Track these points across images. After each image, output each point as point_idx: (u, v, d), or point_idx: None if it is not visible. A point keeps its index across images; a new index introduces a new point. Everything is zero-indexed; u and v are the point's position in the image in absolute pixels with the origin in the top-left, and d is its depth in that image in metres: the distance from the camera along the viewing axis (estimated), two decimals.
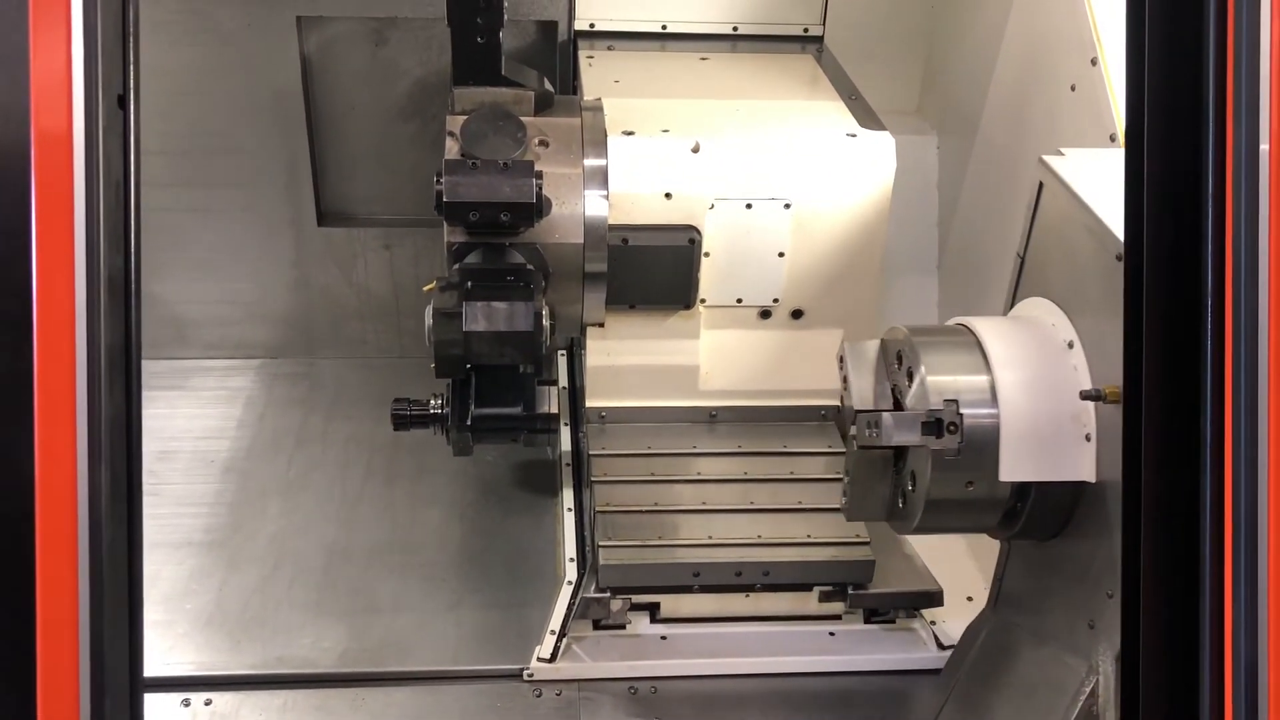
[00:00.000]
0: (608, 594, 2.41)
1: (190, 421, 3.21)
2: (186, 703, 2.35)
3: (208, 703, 2.36)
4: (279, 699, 2.38)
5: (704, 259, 2.57)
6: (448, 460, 3.00)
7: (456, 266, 2.34)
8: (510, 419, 2.38)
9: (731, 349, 2.70)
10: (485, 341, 2.23)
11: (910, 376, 1.89)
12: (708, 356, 2.70)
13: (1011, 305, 2.07)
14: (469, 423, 2.36)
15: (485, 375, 2.38)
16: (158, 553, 2.72)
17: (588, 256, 2.49)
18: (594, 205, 2.48)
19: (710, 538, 2.45)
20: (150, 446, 3.05)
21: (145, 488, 2.84)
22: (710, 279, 2.61)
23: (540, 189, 2.22)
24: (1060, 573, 1.92)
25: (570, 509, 2.77)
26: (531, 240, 2.44)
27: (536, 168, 2.40)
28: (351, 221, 3.36)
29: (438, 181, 2.18)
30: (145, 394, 3.21)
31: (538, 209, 2.21)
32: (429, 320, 2.28)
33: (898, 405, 1.93)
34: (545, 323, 2.26)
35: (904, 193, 3.01)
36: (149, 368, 3.37)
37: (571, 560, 2.61)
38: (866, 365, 2.00)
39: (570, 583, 2.53)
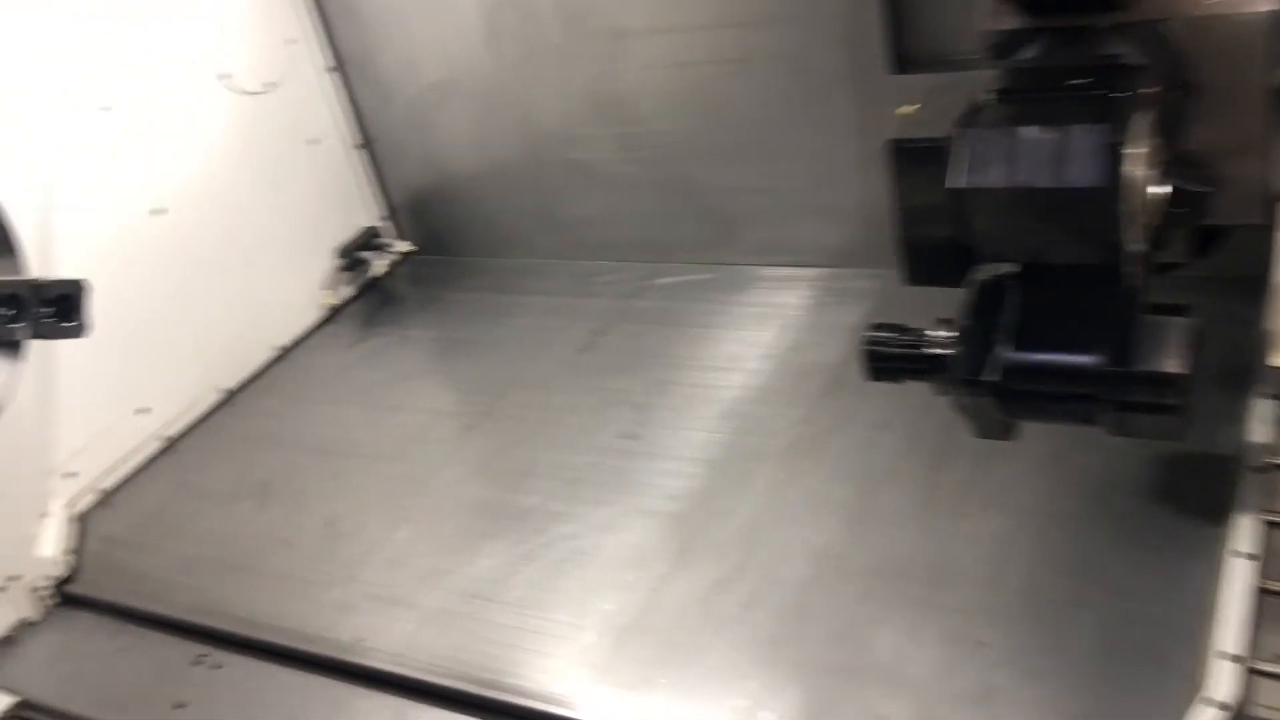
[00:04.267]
0: None
1: (710, 346, 2.41)
2: None
3: None
4: None
5: None
6: (1039, 438, 1.82)
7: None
8: (1074, 375, 1.18)
9: None
10: (1000, 210, 1.07)
11: None
12: None
13: None
14: (997, 379, 1.21)
15: (1039, 286, 1.21)
16: (598, 515, 1.98)
17: None
18: None
19: None
20: (651, 374, 2.36)
21: (616, 430, 2.17)
22: None
23: None
24: None
25: (1249, 555, 1.48)
26: (1149, 17, 1.19)
27: None
28: (942, 65, 2.24)
29: None
30: (671, 307, 2.58)
31: None
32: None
33: None
34: (1134, 176, 1.02)
35: None
36: (692, 275, 2.71)
37: (1227, 657, 1.35)
38: None
39: (1219, 705, 1.30)
